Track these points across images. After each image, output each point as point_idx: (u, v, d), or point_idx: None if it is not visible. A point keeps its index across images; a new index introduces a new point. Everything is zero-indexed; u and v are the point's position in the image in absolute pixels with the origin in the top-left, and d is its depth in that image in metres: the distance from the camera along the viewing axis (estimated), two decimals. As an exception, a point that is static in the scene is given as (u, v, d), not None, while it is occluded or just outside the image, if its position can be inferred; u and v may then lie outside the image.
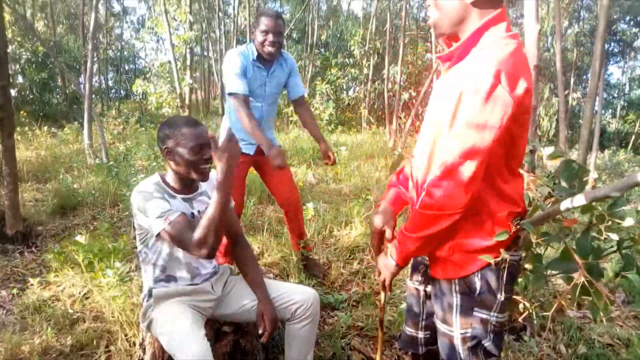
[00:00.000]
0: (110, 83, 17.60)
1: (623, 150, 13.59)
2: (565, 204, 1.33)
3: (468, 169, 1.16)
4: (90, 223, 4.26)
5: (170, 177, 1.83)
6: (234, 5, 16.17)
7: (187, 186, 1.86)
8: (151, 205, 1.69)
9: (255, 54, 2.70)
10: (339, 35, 18.05)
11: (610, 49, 17.90)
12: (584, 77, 17.86)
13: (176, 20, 10.63)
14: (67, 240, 3.80)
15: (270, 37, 2.63)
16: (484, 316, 1.34)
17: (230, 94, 2.65)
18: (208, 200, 1.89)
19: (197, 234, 1.60)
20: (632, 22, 17.67)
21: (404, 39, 12.12)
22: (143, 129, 9.22)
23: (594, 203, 1.38)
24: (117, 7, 18.64)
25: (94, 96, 14.03)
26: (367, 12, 18.66)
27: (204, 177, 1.80)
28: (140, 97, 10.46)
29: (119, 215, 4.44)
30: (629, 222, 1.39)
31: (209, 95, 19.23)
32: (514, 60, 1.13)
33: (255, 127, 2.55)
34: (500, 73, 1.10)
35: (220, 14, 15.65)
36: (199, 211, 1.86)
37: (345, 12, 20.28)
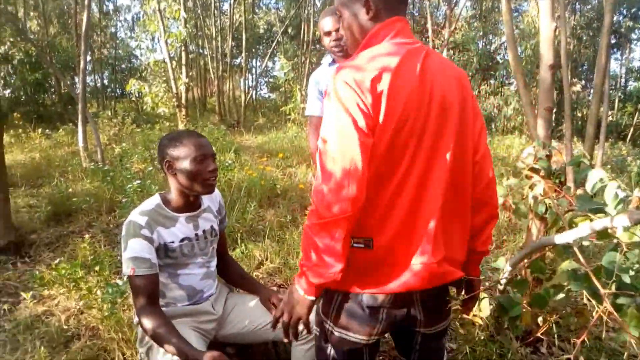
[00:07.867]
0: (105, 82, 17.34)
1: (621, 142, 13.46)
2: (600, 224, 1.21)
3: None
4: (86, 230, 4.13)
5: (173, 196, 1.70)
6: (230, 2, 16.01)
7: (191, 203, 1.73)
8: (130, 244, 1.56)
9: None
10: (335, 31, 17.84)
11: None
12: (580, 69, 17.74)
13: (168, 18, 10.44)
14: (62, 250, 3.67)
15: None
16: None
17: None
18: (213, 218, 1.79)
19: (146, 324, 1.53)
20: (628, 15, 17.53)
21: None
22: (139, 129, 9.05)
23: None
24: (110, 6, 18.40)
25: (89, 95, 13.86)
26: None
27: (210, 189, 1.67)
28: (136, 96, 10.22)
29: (116, 222, 4.31)
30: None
31: (205, 93, 19.05)
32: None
33: None
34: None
35: (216, 11, 15.46)
36: (203, 230, 1.74)
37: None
